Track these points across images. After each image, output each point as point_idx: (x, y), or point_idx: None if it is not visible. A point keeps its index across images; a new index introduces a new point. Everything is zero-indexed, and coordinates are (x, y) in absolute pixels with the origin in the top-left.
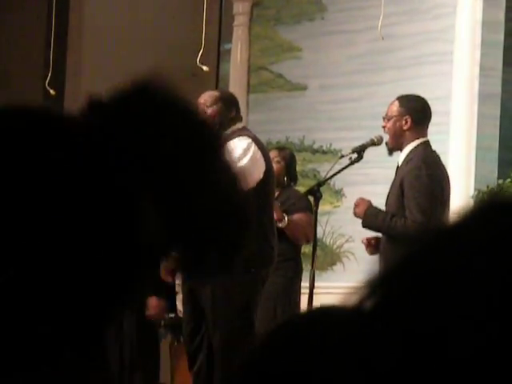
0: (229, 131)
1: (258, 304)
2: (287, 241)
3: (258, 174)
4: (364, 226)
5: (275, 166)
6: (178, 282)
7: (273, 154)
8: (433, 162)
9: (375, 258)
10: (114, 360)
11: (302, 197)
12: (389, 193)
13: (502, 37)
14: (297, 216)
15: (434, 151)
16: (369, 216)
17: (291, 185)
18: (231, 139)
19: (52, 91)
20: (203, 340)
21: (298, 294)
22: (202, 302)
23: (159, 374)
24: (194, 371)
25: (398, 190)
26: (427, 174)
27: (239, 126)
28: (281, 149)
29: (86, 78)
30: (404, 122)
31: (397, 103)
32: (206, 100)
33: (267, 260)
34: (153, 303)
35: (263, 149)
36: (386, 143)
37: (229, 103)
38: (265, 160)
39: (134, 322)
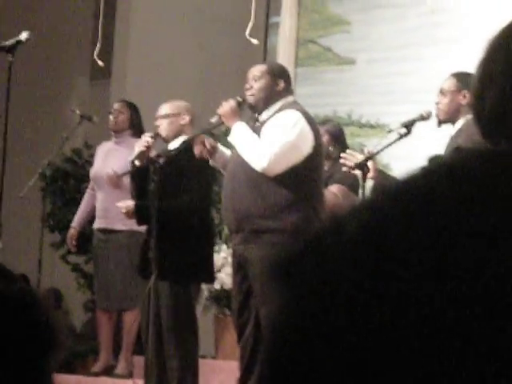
0: (278, 104)
1: None
2: None
3: (306, 148)
4: None
5: None
6: (223, 255)
7: None
8: None
9: None
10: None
11: (347, 172)
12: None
13: None
14: (331, 188)
15: None
16: None
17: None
18: (280, 112)
19: (100, 62)
20: (251, 313)
21: None
22: (249, 276)
23: (198, 345)
24: (241, 344)
25: None
26: None
27: (290, 99)
28: (324, 122)
29: (133, 49)
30: (462, 97)
31: (453, 78)
32: (255, 74)
33: None
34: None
35: (313, 123)
36: (436, 115)
37: (276, 76)
38: (314, 134)
39: (169, 291)
